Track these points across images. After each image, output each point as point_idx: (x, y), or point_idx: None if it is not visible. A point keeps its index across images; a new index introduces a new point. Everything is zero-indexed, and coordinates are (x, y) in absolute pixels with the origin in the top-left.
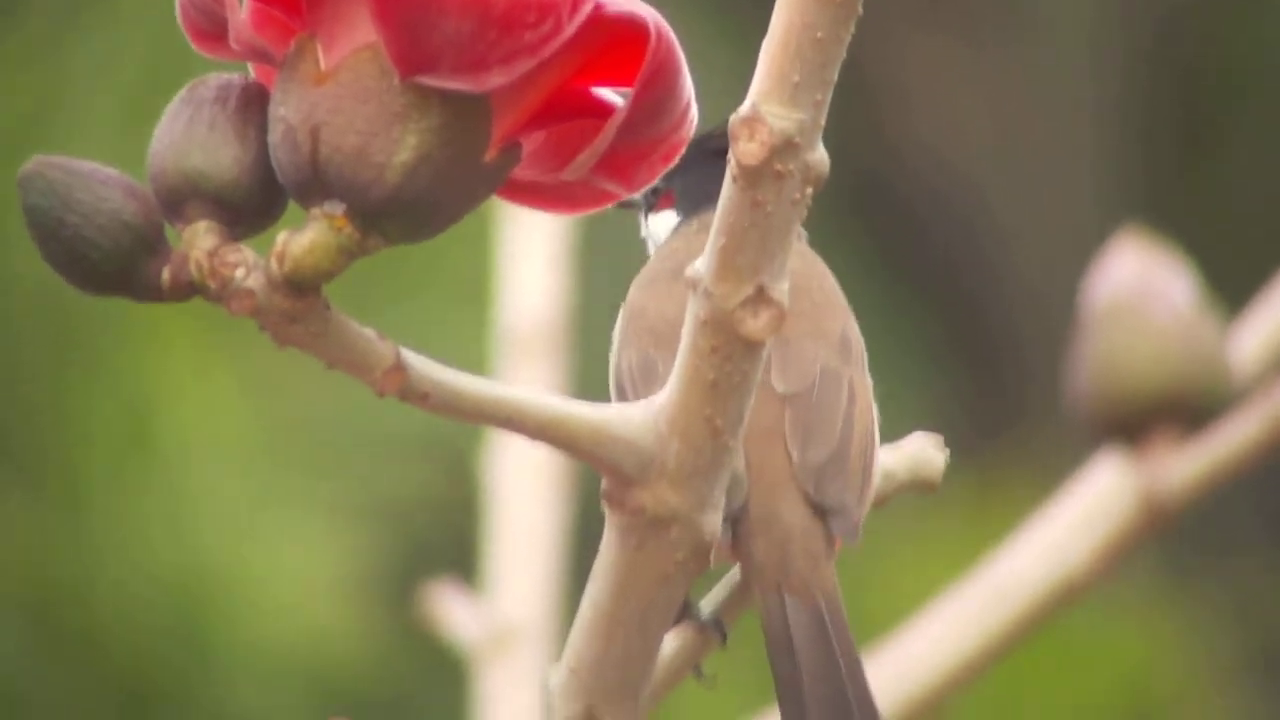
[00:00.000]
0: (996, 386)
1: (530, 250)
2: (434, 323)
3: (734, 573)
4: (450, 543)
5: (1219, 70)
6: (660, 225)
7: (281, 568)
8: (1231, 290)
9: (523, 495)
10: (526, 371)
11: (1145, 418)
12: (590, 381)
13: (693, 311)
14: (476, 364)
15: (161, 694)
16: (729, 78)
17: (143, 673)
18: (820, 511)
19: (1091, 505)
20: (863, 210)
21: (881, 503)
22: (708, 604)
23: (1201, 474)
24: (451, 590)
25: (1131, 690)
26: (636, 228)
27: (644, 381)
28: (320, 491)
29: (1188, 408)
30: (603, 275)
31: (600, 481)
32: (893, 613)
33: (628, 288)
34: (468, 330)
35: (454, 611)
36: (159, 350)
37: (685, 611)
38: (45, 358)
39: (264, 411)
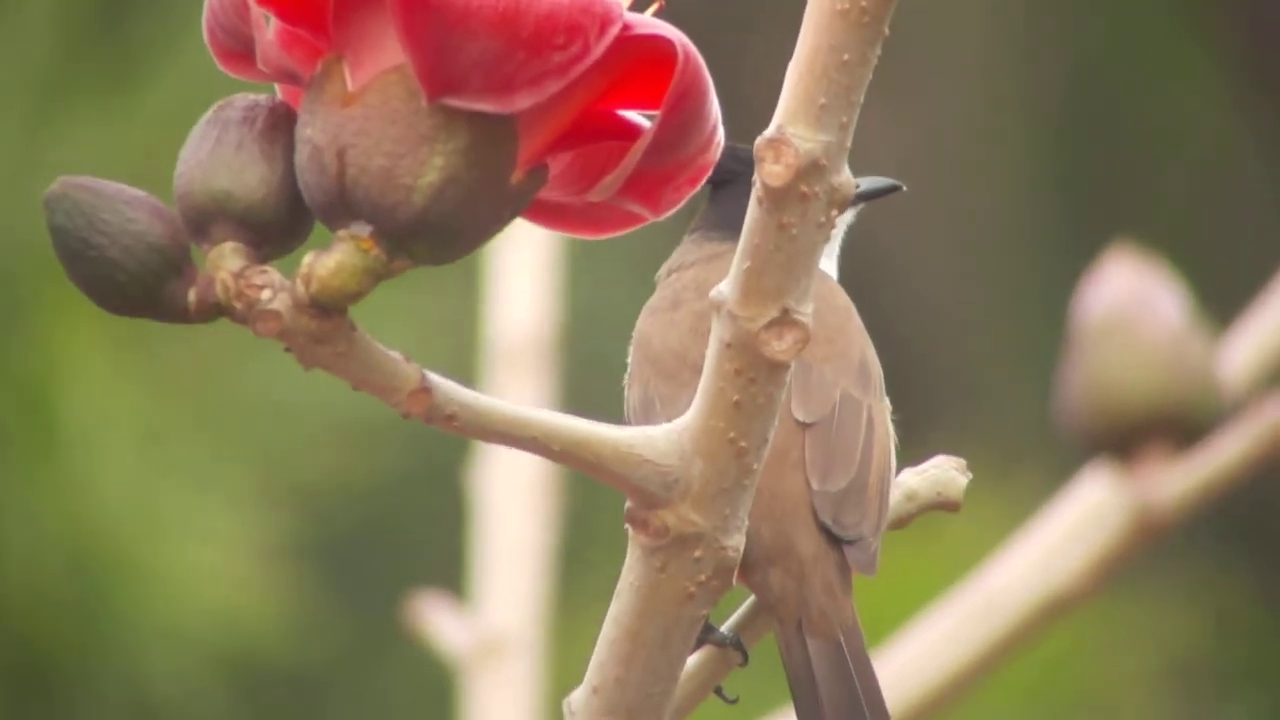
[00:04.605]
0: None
1: (519, 264)
2: (422, 335)
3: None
4: (438, 554)
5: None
6: None
7: (182, 544)
8: None
9: (510, 508)
10: (515, 385)
11: (1136, 433)
12: (578, 395)
13: (717, 334)
14: (465, 378)
15: (60, 665)
16: None
17: (42, 645)
18: (836, 541)
19: (1082, 520)
20: None
21: (904, 523)
22: (729, 623)
23: (1192, 489)
24: (438, 601)
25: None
26: (624, 244)
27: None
28: (221, 470)
29: (1179, 423)
30: (591, 289)
31: (591, 496)
32: (880, 625)
33: (616, 302)
34: (456, 344)
35: (441, 622)
36: (58, 329)
37: (705, 631)
38: None
39: (163, 391)
